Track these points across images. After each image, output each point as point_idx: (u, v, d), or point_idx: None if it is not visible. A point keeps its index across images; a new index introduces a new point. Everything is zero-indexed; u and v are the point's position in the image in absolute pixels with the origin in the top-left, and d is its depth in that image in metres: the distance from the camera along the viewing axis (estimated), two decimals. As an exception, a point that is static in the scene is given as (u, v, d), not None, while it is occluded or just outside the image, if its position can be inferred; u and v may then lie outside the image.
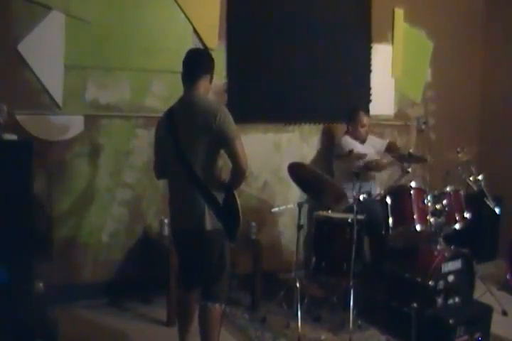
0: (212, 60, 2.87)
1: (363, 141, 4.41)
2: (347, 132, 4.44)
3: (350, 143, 4.29)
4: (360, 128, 4.36)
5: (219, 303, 2.76)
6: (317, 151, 4.67)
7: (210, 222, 2.67)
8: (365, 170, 4.04)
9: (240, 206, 2.71)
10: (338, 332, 3.44)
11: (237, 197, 2.73)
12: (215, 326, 2.77)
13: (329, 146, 4.62)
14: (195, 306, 2.88)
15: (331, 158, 4.49)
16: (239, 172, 2.69)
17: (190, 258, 2.84)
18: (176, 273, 2.99)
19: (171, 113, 2.80)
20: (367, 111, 4.73)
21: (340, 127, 4.64)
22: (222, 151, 2.72)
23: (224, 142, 2.66)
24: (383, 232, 3.65)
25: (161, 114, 3.88)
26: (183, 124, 2.70)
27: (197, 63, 2.80)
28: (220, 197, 2.70)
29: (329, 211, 3.86)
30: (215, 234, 2.69)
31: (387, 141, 4.64)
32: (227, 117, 2.66)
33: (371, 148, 4.38)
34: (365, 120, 4.38)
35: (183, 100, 2.80)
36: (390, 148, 4.53)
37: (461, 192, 3.84)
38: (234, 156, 2.65)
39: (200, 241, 2.72)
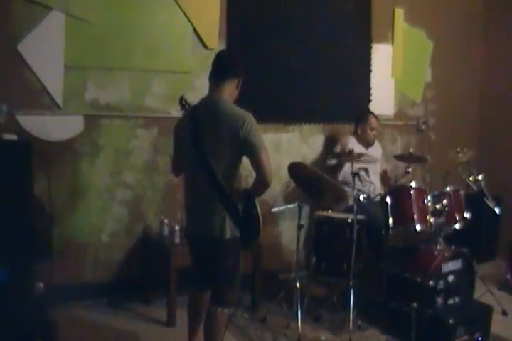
0: (241, 67, 2.76)
1: (369, 145, 4.35)
2: (354, 133, 4.40)
3: (353, 143, 4.24)
4: (369, 131, 4.31)
5: (229, 309, 2.74)
6: (320, 153, 4.64)
7: (229, 230, 2.62)
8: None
9: (260, 216, 2.67)
10: (338, 332, 3.44)
11: (258, 207, 2.68)
12: (221, 330, 2.76)
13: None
14: (206, 306, 2.84)
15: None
16: (262, 184, 2.62)
17: (205, 262, 2.78)
18: (191, 274, 2.92)
19: (193, 114, 2.66)
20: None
21: (343, 128, 4.64)
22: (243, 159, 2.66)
23: (250, 152, 2.58)
24: (383, 232, 3.65)
25: (161, 114, 3.95)
26: (208, 129, 2.59)
27: (223, 65, 2.71)
28: (240, 205, 2.65)
29: (329, 211, 3.86)
30: (232, 241, 2.65)
31: (384, 168, 4.54)
32: (254, 126, 2.58)
33: (375, 152, 4.35)
34: (374, 123, 4.32)
35: (206, 102, 2.69)
36: (382, 176, 4.47)
37: (461, 192, 3.84)
38: (259, 167, 2.57)
39: (217, 248, 2.66)
